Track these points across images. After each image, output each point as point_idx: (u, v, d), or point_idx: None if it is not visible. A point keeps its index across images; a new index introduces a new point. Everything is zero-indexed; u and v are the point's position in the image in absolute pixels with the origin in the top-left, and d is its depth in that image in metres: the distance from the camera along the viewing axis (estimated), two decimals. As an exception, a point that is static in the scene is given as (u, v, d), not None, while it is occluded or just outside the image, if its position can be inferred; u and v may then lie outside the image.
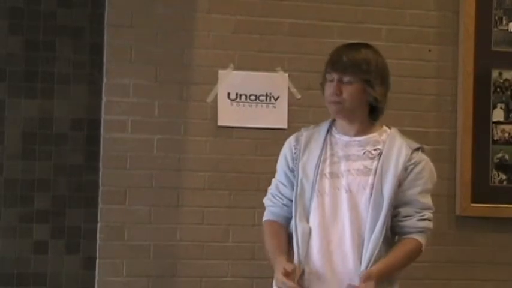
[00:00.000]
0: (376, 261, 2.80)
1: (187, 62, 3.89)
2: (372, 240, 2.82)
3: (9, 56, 4.21)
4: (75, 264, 4.20)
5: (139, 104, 3.85)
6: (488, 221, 4.05)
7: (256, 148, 3.93)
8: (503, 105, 4.08)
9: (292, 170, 3.00)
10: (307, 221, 2.89)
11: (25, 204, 4.17)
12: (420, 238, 2.87)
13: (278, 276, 2.79)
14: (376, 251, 2.81)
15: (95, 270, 3.82)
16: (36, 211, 4.18)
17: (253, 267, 3.90)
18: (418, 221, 2.86)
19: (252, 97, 3.93)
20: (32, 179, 4.19)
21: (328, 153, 2.94)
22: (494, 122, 4.06)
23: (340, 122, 2.96)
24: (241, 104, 3.93)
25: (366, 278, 2.75)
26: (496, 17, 4.09)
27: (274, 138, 3.89)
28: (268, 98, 3.94)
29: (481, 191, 4.02)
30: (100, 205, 3.82)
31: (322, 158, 2.94)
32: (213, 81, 3.90)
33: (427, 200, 2.90)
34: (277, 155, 3.85)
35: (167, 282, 3.85)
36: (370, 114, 2.94)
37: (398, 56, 4.01)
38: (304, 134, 3.02)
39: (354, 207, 2.86)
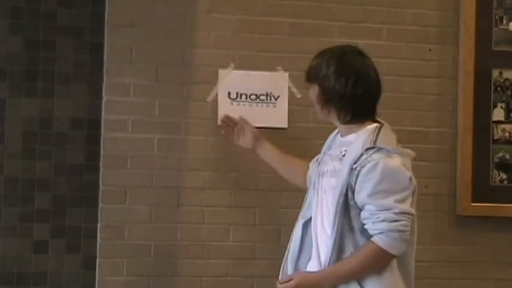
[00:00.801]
0: (327, 262, 2.85)
1: (187, 62, 3.88)
2: (325, 243, 2.87)
3: (9, 55, 4.20)
4: (76, 263, 4.20)
5: (140, 103, 3.84)
6: (489, 221, 4.04)
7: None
8: (503, 105, 4.08)
9: None
10: (305, 219, 3.04)
11: (25, 203, 4.17)
12: (378, 240, 2.79)
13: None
14: (329, 255, 2.82)
15: (95, 269, 3.81)
16: (36, 210, 4.18)
17: (254, 266, 3.91)
18: (374, 224, 2.80)
19: (252, 96, 3.93)
20: (33, 178, 4.19)
21: (327, 154, 3.09)
22: (494, 122, 4.06)
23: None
24: (241, 103, 3.91)
25: (288, 279, 2.89)
26: (497, 17, 4.08)
27: (275, 137, 3.89)
28: (268, 97, 3.93)
29: (482, 191, 4.01)
30: (100, 204, 3.81)
31: (322, 159, 3.07)
32: (214, 80, 3.88)
33: (385, 201, 2.79)
34: None
35: (168, 281, 3.84)
36: (355, 115, 2.95)
37: (398, 56, 4.01)
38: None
39: (323, 208, 2.95)
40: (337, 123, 3.02)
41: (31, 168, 4.19)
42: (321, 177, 3.02)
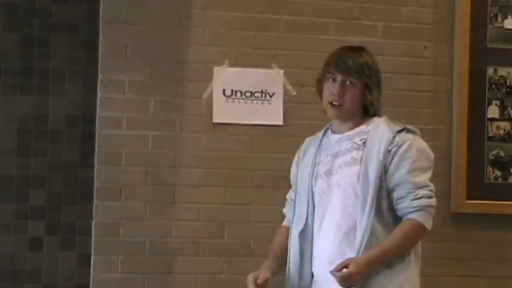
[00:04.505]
0: (367, 247, 2.83)
1: (182, 59, 3.89)
2: (361, 227, 2.85)
3: (4, 52, 4.19)
4: (71, 260, 4.18)
5: (135, 100, 3.85)
6: (484, 218, 4.05)
7: (251, 145, 3.94)
8: (498, 102, 4.08)
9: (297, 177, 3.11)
10: (303, 224, 2.99)
11: (20, 200, 4.16)
12: (417, 217, 2.86)
13: (248, 278, 3.03)
14: (366, 238, 2.84)
15: (90, 267, 3.82)
16: (31, 208, 4.16)
17: (249, 263, 3.81)
18: (412, 201, 2.86)
19: (247, 94, 3.94)
20: (27, 175, 4.17)
21: (323, 154, 3.03)
22: (489, 119, 4.07)
23: (334, 122, 3.05)
24: (236, 100, 3.93)
25: (343, 264, 2.79)
26: (491, 14, 4.09)
27: (270, 134, 3.94)
28: (263, 94, 3.95)
29: (476, 188, 4.02)
30: (95, 202, 3.83)
31: (316, 161, 3.03)
32: (209, 77, 3.90)
33: (421, 178, 2.88)
34: (273, 151, 3.94)
35: (162, 278, 3.86)
36: (363, 115, 3.02)
37: (393, 53, 4.02)
38: (306, 142, 3.16)
39: (345, 199, 2.91)
40: (354, 117, 3.00)
41: (26, 165, 4.17)
42: (324, 177, 2.99)
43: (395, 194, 2.89)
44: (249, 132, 3.93)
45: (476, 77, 4.05)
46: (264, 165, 3.92)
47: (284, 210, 3.21)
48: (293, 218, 3.06)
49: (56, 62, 4.20)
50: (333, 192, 2.95)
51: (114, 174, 3.83)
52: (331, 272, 2.79)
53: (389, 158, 2.88)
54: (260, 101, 3.94)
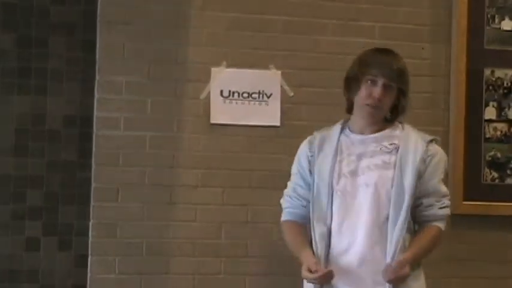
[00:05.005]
0: (400, 251, 2.93)
1: (180, 59, 3.90)
2: (396, 232, 2.94)
3: (1, 52, 4.19)
4: (68, 261, 4.19)
5: (132, 101, 3.87)
6: (480, 219, 4.06)
7: (249, 145, 3.95)
8: (495, 104, 4.09)
9: (311, 172, 3.10)
10: (325, 222, 3.01)
11: (17, 201, 4.16)
12: (441, 225, 3.06)
13: (303, 273, 2.98)
14: (400, 243, 2.94)
15: (87, 267, 3.83)
16: (28, 208, 4.16)
17: (246, 264, 3.93)
18: (439, 209, 3.04)
19: (245, 94, 3.95)
20: (25, 175, 4.18)
21: (345, 153, 3.07)
22: (486, 120, 4.08)
23: (359, 122, 3.09)
24: (234, 101, 3.94)
25: (402, 263, 2.90)
26: (489, 15, 4.10)
27: (267, 135, 3.95)
28: (261, 95, 3.96)
29: (473, 189, 4.03)
30: (92, 202, 3.84)
31: (338, 159, 3.06)
32: (206, 78, 3.91)
33: (445, 188, 3.08)
34: (270, 152, 3.95)
35: (160, 279, 3.87)
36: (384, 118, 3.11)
37: None
38: (317, 136, 3.15)
39: (375, 201, 2.98)
40: (381, 120, 3.06)
41: (23, 166, 4.17)
42: (348, 176, 3.02)
43: (425, 201, 3.03)
44: (247, 133, 3.95)
45: (474, 78, 4.06)
46: (261, 165, 3.94)
47: (286, 205, 3.18)
48: (313, 214, 3.03)
49: (54, 62, 4.20)
50: (360, 192, 3.00)
51: (112, 174, 3.84)
52: (387, 271, 2.89)
53: (424, 167, 3.01)
54: (257, 102, 3.95)
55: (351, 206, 3.00)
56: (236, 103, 3.94)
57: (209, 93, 3.91)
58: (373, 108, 3.02)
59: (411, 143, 3.03)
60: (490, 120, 4.08)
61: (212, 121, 3.91)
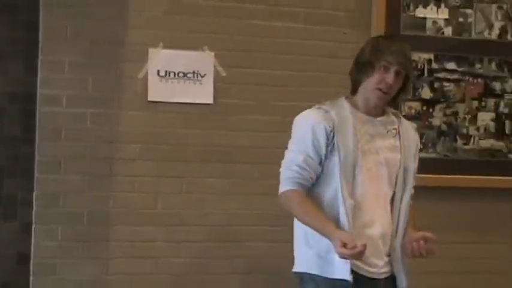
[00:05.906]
0: (406, 225, 3.09)
1: (120, 41, 3.91)
2: (403, 208, 3.09)
3: None
4: (13, 230, 4.18)
5: (74, 79, 3.87)
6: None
7: (183, 122, 4.01)
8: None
9: (327, 145, 2.98)
10: (351, 195, 2.97)
11: (-36, 174, 4.08)
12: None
13: (338, 249, 2.79)
14: (407, 218, 3.10)
15: (31, 235, 3.83)
16: (-26, 180, 4.10)
17: (181, 233, 3.99)
18: (413, 189, 3.17)
19: (180, 74, 3.99)
20: (-30, 150, 4.10)
21: (362, 131, 3.04)
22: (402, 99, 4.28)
23: (365, 103, 3.06)
24: (170, 80, 3.98)
25: (431, 238, 2.99)
26: (405, 3, 4.27)
27: (201, 112, 4.01)
28: (195, 75, 4.01)
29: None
30: (36, 174, 3.84)
31: (358, 136, 3.02)
32: (144, 59, 3.94)
33: None
34: (203, 128, 3.97)
35: (100, 246, 3.90)
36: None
37: (314, 38, 4.13)
38: (331, 111, 3.02)
39: (389, 180, 3.09)
40: (384, 105, 3.10)
41: (-31, 141, 4.11)
42: (373, 154, 3.05)
43: (414, 179, 3.15)
44: (182, 109, 4.00)
45: (391, 60, 4.24)
46: (195, 140, 3.98)
47: (294, 175, 2.98)
48: (341, 188, 2.96)
49: (-3, 42, 4.11)
50: (380, 170, 3.05)
51: (54, 148, 3.85)
52: (415, 245, 2.97)
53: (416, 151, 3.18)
54: (192, 81, 4.00)
55: (369, 183, 3.01)
56: (172, 82, 3.98)
57: (147, 72, 3.94)
58: (384, 93, 3.01)
59: (408, 129, 3.16)
60: (405, 99, 4.23)
61: (150, 99, 3.95)
